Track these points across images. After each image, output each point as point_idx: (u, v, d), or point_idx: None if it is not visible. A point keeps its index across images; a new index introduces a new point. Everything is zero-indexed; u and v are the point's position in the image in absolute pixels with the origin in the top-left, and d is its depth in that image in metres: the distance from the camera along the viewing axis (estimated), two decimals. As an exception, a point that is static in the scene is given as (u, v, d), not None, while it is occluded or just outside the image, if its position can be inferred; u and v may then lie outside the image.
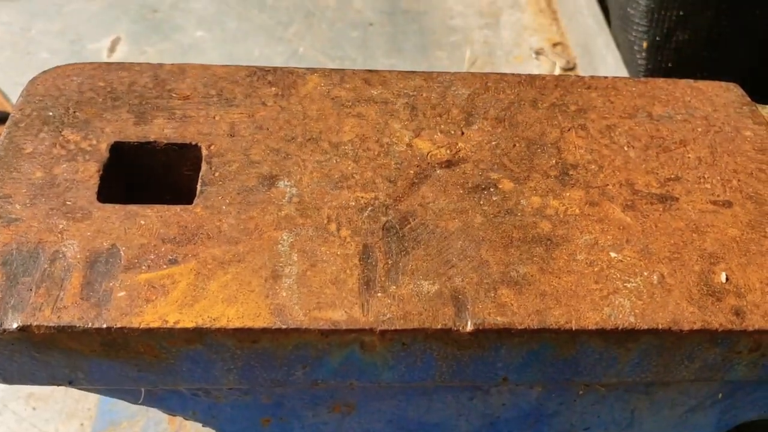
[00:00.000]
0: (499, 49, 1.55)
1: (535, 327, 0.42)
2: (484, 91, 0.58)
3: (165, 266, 0.43)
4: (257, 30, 1.75)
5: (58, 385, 0.44)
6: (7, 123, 0.51)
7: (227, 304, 0.41)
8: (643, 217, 0.49)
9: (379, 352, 0.43)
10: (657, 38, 1.20)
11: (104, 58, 1.63)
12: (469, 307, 0.43)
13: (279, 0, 1.68)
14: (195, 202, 0.47)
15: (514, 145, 0.53)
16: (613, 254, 0.46)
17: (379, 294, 0.43)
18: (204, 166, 0.49)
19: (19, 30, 1.71)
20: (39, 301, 0.41)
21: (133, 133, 0.51)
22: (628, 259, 0.46)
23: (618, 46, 1.36)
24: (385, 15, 1.79)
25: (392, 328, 0.42)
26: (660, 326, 0.43)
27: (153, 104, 0.53)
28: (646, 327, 0.43)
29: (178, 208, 0.47)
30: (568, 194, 0.50)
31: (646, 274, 0.45)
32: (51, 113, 0.52)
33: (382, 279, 0.43)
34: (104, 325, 0.40)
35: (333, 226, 0.46)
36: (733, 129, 0.57)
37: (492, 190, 0.50)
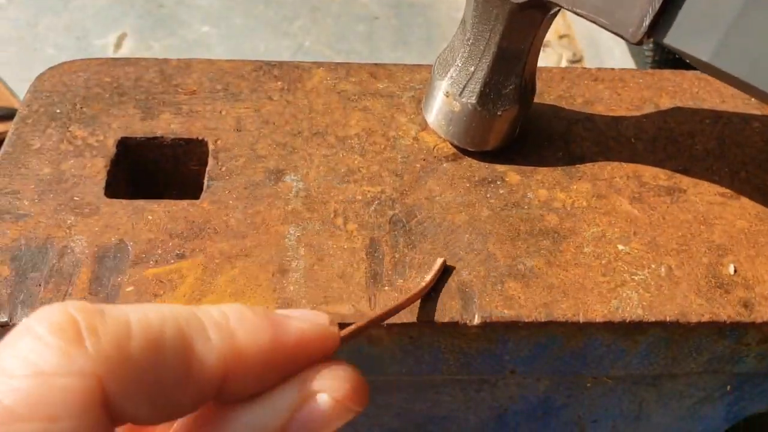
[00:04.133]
0: (505, 42, 1.54)
1: (543, 320, 0.42)
2: (491, 83, 0.57)
3: (173, 261, 0.43)
4: (263, 24, 1.75)
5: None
6: (15, 119, 0.51)
7: (235, 299, 0.42)
8: (650, 209, 0.49)
9: (386, 346, 0.43)
10: (664, 29, 1.20)
11: (110, 53, 1.63)
12: (476, 300, 0.43)
13: (284, -6, 1.68)
14: (202, 197, 0.47)
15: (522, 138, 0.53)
16: (620, 246, 0.46)
17: (386, 288, 0.43)
18: (211, 161, 0.49)
19: (26, 26, 1.71)
20: (48, 297, 0.41)
21: (139, 129, 0.51)
22: (636, 251, 0.46)
23: (625, 37, 1.35)
24: (391, 8, 1.78)
25: (399, 322, 0.42)
26: (668, 318, 0.43)
27: (159, 99, 0.53)
28: (653, 319, 0.43)
29: (185, 202, 0.47)
30: (575, 187, 0.50)
31: (653, 266, 0.45)
32: (58, 109, 0.52)
33: (389, 273, 0.44)
34: (113, 320, 0.40)
35: (340, 220, 0.46)
36: (741, 120, 0.57)
37: (499, 183, 0.50)
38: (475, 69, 0.46)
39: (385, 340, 0.43)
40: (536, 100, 0.56)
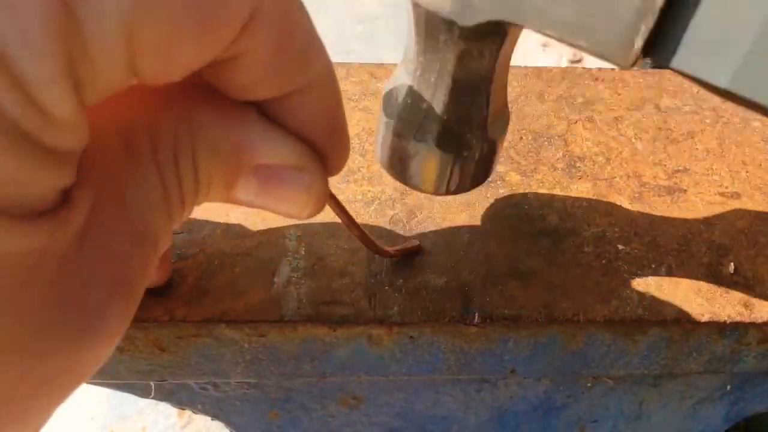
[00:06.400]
0: (506, 42, 1.54)
1: (543, 320, 0.42)
2: (491, 83, 0.57)
3: (173, 260, 0.43)
4: (263, 24, 1.74)
5: (68, 379, 0.45)
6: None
7: (235, 299, 0.42)
8: (650, 209, 0.49)
9: (386, 346, 0.43)
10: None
11: (111, 53, 1.63)
12: (476, 300, 0.43)
13: (284, -6, 1.68)
14: (202, 196, 0.47)
15: (521, 138, 0.53)
16: (620, 246, 0.46)
17: (386, 287, 0.43)
18: (211, 161, 0.49)
19: (26, 26, 1.71)
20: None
21: (140, 129, 0.51)
22: (636, 251, 0.46)
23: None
24: (392, 8, 1.78)
25: (399, 322, 0.42)
26: (668, 318, 0.43)
27: (160, 99, 0.53)
28: (654, 319, 0.43)
29: (185, 202, 0.47)
30: (575, 186, 0.50)
31: (653, 266, 0.45)
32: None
33: (390, 272, 0.44)
34: (113, 320, 0.40)
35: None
36: (741, 120, 0.57)
37: (499, 182, 0.50)
38: (427, 106, 0.37)
39: (385, 340, 0.43)
40: (537, 100, 0.56)
